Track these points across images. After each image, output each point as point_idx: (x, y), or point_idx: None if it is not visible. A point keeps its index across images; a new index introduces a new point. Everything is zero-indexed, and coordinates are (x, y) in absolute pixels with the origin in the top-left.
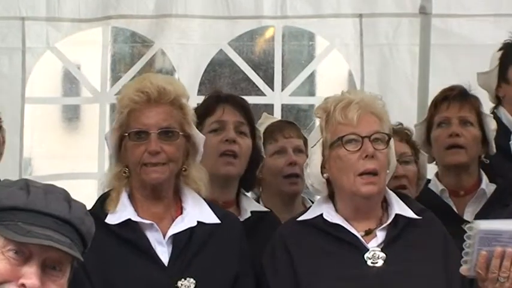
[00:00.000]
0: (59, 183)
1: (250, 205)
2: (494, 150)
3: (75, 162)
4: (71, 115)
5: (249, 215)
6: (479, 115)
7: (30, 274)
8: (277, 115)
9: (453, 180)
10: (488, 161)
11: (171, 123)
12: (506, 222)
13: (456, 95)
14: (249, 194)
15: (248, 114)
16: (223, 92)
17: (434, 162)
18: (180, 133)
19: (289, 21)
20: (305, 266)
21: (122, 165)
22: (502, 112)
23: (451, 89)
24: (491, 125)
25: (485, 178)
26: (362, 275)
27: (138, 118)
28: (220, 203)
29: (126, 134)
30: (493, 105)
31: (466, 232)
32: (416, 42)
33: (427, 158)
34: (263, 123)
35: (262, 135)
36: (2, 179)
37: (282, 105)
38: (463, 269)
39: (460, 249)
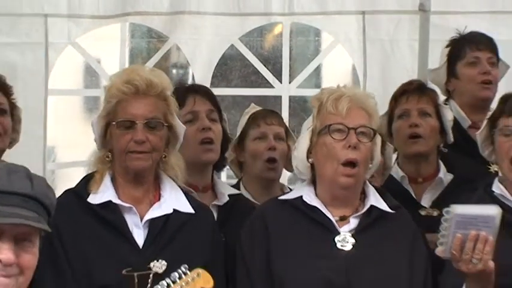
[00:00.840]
0: (80, 170)
1: (226, 189)
2: (452, 139)
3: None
4: (91, 106)
5: (227, 198)
6: (437, 107)
7: (4, 250)
8: (285, 106)
9: (413, 168)
10: (446, 150)
11: (156, 114)
12: (481, 207)
13: (414, 89)
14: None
15: (214, 100)
16: (189, 83)
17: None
18: (165, 124)
19: (296, 17)
20: (279, 241)
21: (106, 150)
22: (452, 105)
23: (410, 83)
24: (449, 116)
25: (442, 167)
26: (330, 256)
27: (126, 108)
28: (200, 188)
29: (114, 123)
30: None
31: (422, 216)
32: (416, 37)
33: (392, 149)
34: (248, 111)
35: (245, 121)
36: (26, 166)
37: (290, 96)
38: (439, 250)
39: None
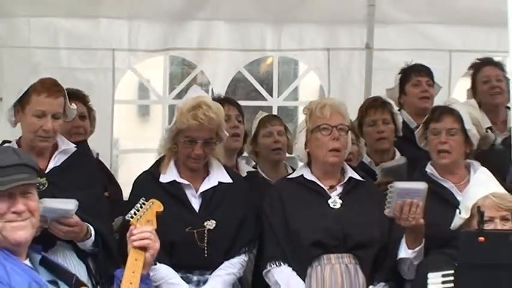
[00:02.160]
0: (136, 155)
1: (245, 168)
2: (401, 133)
3: (145, 141)
4: (143, 111)
5: (245, 174)
6: (393, 115)
7: (17, 204)
8: (275, 113)
9: (379, 157)
10: (396, 139)
11: (212, 136)
12: (414, 183)
13: (379, 104)
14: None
15: (240, 109)
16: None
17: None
18: (215, 141)
19: (282, 53)
20: (291, 206)
21: (173, 143)
22: (403, 113)
23: (376, 100)
24: (400, 120)
25: (398, 154)
26: (326, 212)
27: (191, 132)
28: (229, 165)
29: (182, 140)
30: (397, 108)
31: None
32: (363, 67)
33: (364, 143)
34: (258, 117)
35: (257, 124)
36: (100, 152)
37: (278, 106)
38: (386, 212)
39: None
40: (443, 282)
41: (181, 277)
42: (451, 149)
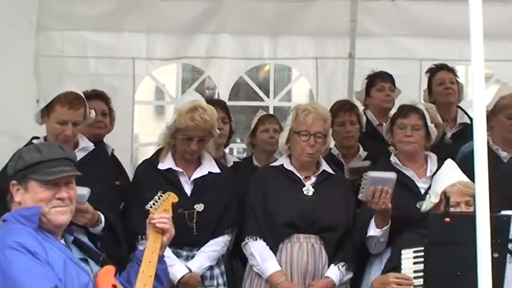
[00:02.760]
0: (152, 148)
1: (231, 158)
2: (364, 130)
3: None
4: (159, 111)
5: (231, 163)
6: (358, 116)
7: (61, 192)
8: (271, 112)
9: (346, 151)
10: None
11: (205, 135)
12: (386, 173)
13: (348, 108)
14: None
15: (226, 109)
16: (215, 100)
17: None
18: (208, 138)
19: (277, 61)
20: (270, 190)
21: (171, 138)
22: (368, 113)
23: (344, 103)
24: (364, 119)
25: (361, 148)
26: (300, 198)
27: (188, 131)
28: (217, 156)
29: (180, 137)
30: (362, 108)
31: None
32: (346, 73)
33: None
34: (258, 115)
35: (256, 121)
36: (122, 145)
37: (274, 106)
38: (360, 196)
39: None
40: (414, 258)
41: (172, 252)
42: (415, 141)
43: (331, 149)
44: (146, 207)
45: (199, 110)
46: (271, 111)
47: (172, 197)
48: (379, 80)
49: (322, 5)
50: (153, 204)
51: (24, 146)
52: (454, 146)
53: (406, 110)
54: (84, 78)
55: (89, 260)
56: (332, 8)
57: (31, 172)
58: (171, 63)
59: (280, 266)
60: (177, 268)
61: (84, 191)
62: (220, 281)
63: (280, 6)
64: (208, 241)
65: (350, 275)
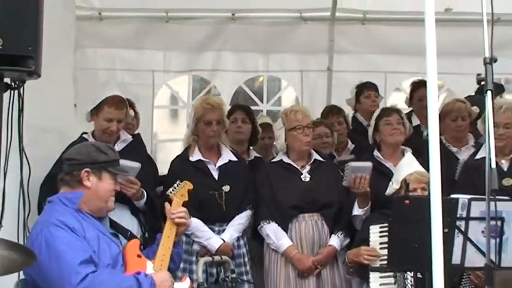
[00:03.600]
0: (168, 144)
1: (253, 153)
2: (350, 127)
3: (175, 134)
4: (174, 114)
5: (252, 157)
6: (345, 117)
7: (116, 185)
8: (264, 114)
9: (337, 145)
10: (350, 132)
11: (221, 118)
12: (363, 162)
13: (336, 111)
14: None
15: (247, 112)
16: (239, 104)
17: None
18: (222, 124)
19: (269, 73)
20: (275, 181)
21: (194, 135)
22: (358, 115)
23: (333, 108)
24: (349, 120)
25: (349, 143)
26: (299, 184)
27: (207, 115)
28: (241, 151)
29: (202, 122)
30: (353, 111)
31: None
32: (326, 84)
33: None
34: (260, 118)
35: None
36: (145, 142)
37: (267, 110)
38: (344, 183)
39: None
40: (380, 232)
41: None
42: (401, 132)
43: None
44: (167, 192)
45: (210, 98)
46: (264, 113)
47: (188, 185)
48: (366, 89)
49: (306, 28)
50: (173, 190)
51: (76, 140)
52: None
53: (389, 110)
54: (113, 87)
55: (119, 235)
56: (314, 31)
57: (109, 166)
58: (184, 75)
59: (292, 242)
60: (214, 240)
61: (136, 165)
62: (244, 250)
63: (272, 29)
64: (234, 216)
65: (347, 240)
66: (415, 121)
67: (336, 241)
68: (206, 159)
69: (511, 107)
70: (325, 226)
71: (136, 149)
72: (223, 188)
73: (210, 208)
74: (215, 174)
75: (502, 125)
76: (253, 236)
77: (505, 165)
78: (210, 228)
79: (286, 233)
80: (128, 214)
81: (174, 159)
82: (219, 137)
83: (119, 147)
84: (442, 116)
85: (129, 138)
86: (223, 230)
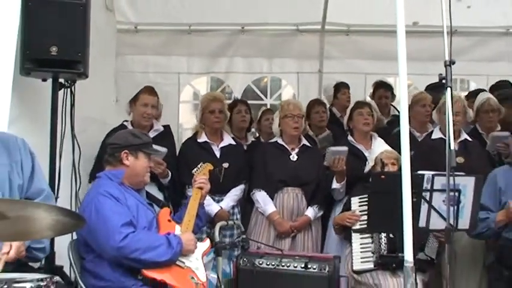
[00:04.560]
0: (191, 132)
1: (250, 138)
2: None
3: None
4: (195, 107)
5: (250, 141)
6: (326, 108)
7: (150, 163)
8: (268, 107)
9: (318, 131)
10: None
11: (223, 108)
12: (340, 147)
13: (319, 102)
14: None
15: (248, 105)
16: (240, 99)
17: None
18: (224, 113)
19: (272, 74)
20: (268, 158)
21: (202, 123)
22: (333, 109)
23: (317, 100)
24: (328, 111)
25: (327, 129)
26: (288, 163)
27: (212, 105)
28: (240, 137)
29: (208, 112)
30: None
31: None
32: (317, 83)
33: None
34: (262, 109)
35: (260, 113)
36: (173, 131)
37: (270, 104)
38: (325, 163)
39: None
40: (359, 202)
41: (210, 197)
42: (371, 122)
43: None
44: (192, 171)
45: (213, 92)
46: (268, 107)
47: (209, 166)
48: (342, 87)
49: (301, 39)
50: (197, 169)
51: (117, 127)
52: (389, 128)
53: (362, 103)
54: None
55: (153, 204)
56: (307, 40)
57: (143, 147)
58: (203, 76)
59: (276, 208)
60: (213, 207)
61: (163, 149)
62: (238, 216)
63: (274, 39)
64: (230, 189)
65: (321, 213)
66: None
67: (311, 212)
68: (211, 141)
69: (461, 99)
70: (304, 199)
71: (166, 137)
72: (223, 165)
73: (211, 181)
74: (217, 154)
75: (454, 113)
76: (246, 200)
77: (456, 146)
78: (211, 197)
79: (272, 200)
80: (155, 189)
81: (185, 141)
82: (222, 123)
83: (151, 134)
84: (413, 104)
85: (161, 128)
86: (222, 200)
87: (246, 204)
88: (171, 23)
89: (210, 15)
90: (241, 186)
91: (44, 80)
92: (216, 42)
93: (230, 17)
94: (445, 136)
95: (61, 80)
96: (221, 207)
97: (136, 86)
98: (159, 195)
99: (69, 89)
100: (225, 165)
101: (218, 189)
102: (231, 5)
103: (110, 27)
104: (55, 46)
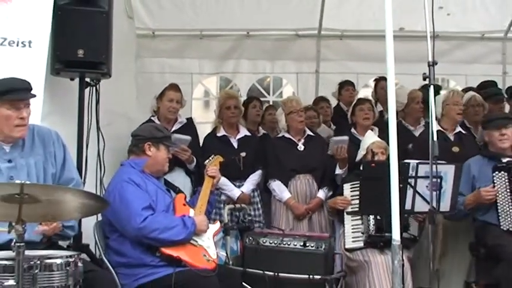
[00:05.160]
0: (202, 125)
1: (261, 131)
2: (332, 112)
3: (207, 118)
4: (206, 104)
5: (261, 134)
6: (330, 104)
7: (169, 154)
8: (271, 103)
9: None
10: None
11: (238, 104)
12: (342, 137)
13: (324, 99)
14: None
15: (260, 102)
16: (255, 96)
17: None
18: (239, 108)
19: (274, 74)
20: (279, 150)
21: (220, 118)
22: (341, 104)
23: (322, 97)
24: (331, 106)
25: (331, 124)
26: (296, 153)
27: (228, 102)
28: (254, 129)
29: (224, 108)
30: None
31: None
32: (314, 82)
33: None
34: (266, 106)
35: (264, 109)
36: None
37: (272, 101)
38: (329, 152)
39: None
40: (351, 188)
41: (231, 183)
42: (370, 117)
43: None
44: (204, 162)
45: (228, 90)
46: (271, 103)
47: (219, 158)
48: (346, 85)
49: (300, 42)
50: (209, 161)
51: (146, 121)
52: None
53: (363, 100)
54: (163, 86)
55: (170, 190)
56: (306, 44)
57: (164, 140)
58: (213, 76)
59: (290, 194)
60: (235, 191)
61: (188, 137)
62: (258, 199)
63: (276, 43)
64: (249, 175)
65: (330, 193)
66: (379, 107)
67: (322, 194)
68: (229, 135)
69: (459, 93)
70: (315, 183)
71: (189, 128)
72: (241, 154)
73: (232, 169)
74: (235, 145)
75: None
76: (264, 190)
77: (452, 137)
78: (232, 183)
79: (287, 188)
80: (183, 174)
81: (206, 136)
82: (237, 117)
83: (177, 126)
84: (409, 102)
85: (184, 120)
86: (242, 185)
87: (264, 194)
88: (184, 29)
89: (219, 22)
90: (259, 172)
91: (72, 79)
92: (225, 46)
93: (237, 24)
94: (443, 129)
95: (87, 79)
96: (242, 192)
97: (153, 85)
98: (186, 180)
99: (94, 87)
100: (243, 154)
101: (238, 176)
102: (238, 13)
103: (130, 33)
104: (82, 49)
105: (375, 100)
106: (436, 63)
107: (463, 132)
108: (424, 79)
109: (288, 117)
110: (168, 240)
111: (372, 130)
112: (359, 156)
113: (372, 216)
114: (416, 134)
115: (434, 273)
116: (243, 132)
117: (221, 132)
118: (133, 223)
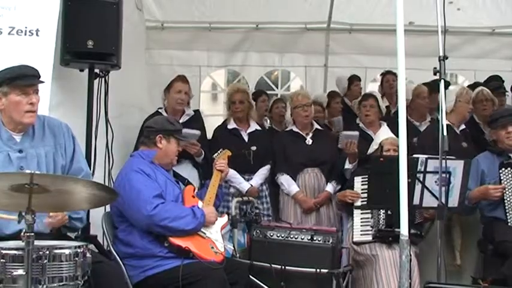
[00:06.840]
0: (210, 118)
1: (267, 124)
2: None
3: (215, 111)
4: (214, 96)
5: (267, 127)
6: (341, 99)
7: (179, 147)
8: (279, 96)
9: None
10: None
11: (245, 98)
12: (352, 132)
13: (336, 94)
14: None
15: (267, 96)
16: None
17: None
18: (246, 103)
19: (282, 67)
20: (287, 144)
21: (231, 111)
22: (345, 99)
23: (334, 92)
24: (340, 101)
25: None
26: (304, 146)
27: (235, 96)
28: (260, 122)
29: (231, 102)
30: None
31: None
32: (323, 76)
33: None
34: (273, 99)
35: (272, 102)
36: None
37: (280, 94)
38: (339, 146)
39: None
40: (361, 182)
41: (241, 176)
42: (371, 114)
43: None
44: (213, 156)
45: (235, 84)
46: (279, 96)
47: (227, 152)
48: (355, 80)
49: (309, 36)
50: (217, 154)
51: (153, 113)
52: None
53: (366, 96)
54: (171, 77)
55: (179, 182)
56: (314, 37)
57: (175, 133)
58: (221, 69)
59: (299, 188)
60: (244, 184)
61: (197, 132)
62: (266, 193)
63: (285, 36)
64: (258, 169)
65: (339, 187)
66: (385, 103)
67: (330, 187)
68: (240, 127)
69: (469, 91)
70: (323, 177)
71: (196, 120)
72: (251, 148)
73: (242, 162)
74: (246, 138)
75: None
76: (272, 184)
77: (460, 133)
78: (242, 176)
79: (295, 181)
80: (190, 166)
81: (216, 128)
82: (243, 112)
83: (184, 118)
84: (414, 97)
85: (192, 112)
86: (251, 178)
87: (273, 187)
88: (193, 21)
89: (228, 14)
90: (268, 166)
91: (82, 70)
92: (233, 39)
93: (246, 16)
94: (451, 122)
95: (96, 71)
96: (251, 185)
97: (162, 77)
98: (194, 172)
99: (103, 79)
100: (253, 148)
101: (248, 169)
102: (247, 6)
103: (140, 25)
104: (91, 40)
105: (381, 94)
106: (447, 58)
107: (467, 130)
108: (435, 73)
109: (294, 111)
110: (178, 229)
111: (380, 126)
112: (371, 150)
113: (382, 211)
114: (422, 129)
115: (454, 269)
116: (254, 126)
117: (232, 125)
118: (144, 211)
